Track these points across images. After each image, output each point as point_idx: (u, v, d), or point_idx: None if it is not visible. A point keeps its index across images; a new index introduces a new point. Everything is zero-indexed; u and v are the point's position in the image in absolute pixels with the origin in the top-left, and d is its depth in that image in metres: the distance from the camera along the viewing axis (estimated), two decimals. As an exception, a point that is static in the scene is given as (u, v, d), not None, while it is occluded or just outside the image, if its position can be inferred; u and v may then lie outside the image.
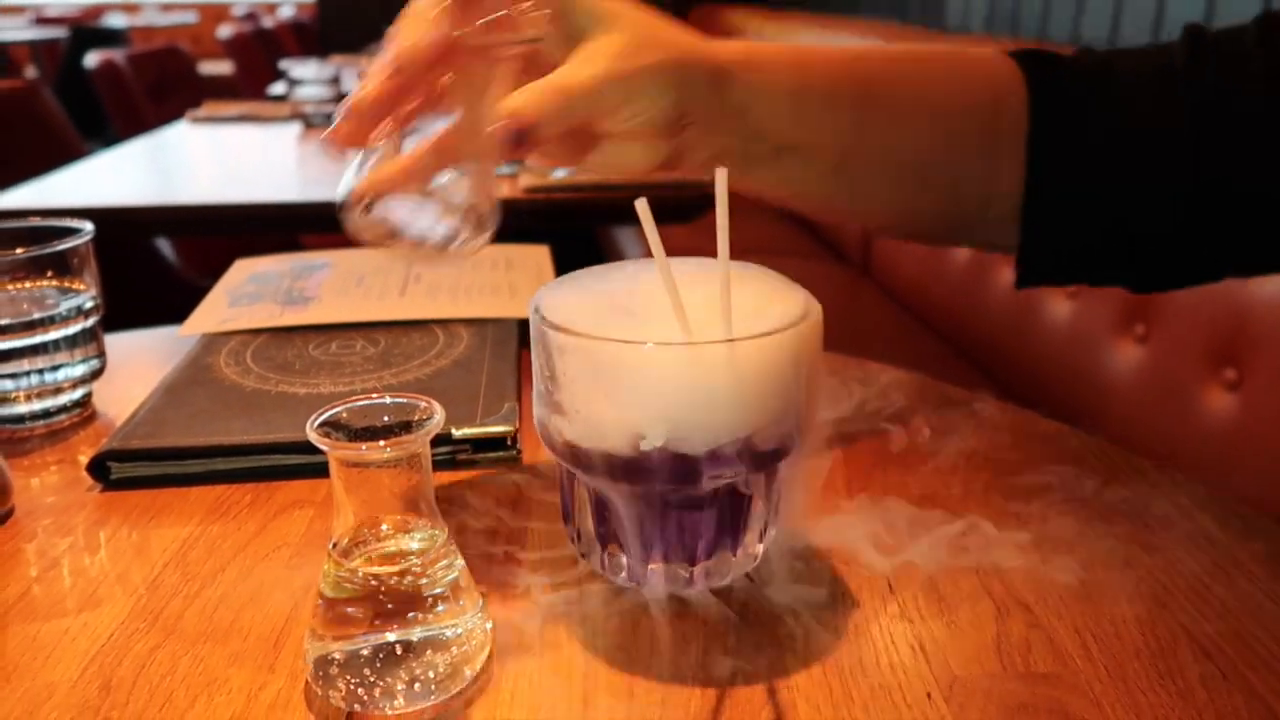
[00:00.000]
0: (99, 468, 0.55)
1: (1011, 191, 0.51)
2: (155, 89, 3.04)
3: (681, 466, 0.42)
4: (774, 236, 2.27)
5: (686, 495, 0.43)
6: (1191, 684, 0.40)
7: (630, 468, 0.42)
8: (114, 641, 0.43)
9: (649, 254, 0.48)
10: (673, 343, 0.41)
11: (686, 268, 0.47)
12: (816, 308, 0.44)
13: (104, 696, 0.39)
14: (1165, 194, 0.50)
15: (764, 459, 0.43)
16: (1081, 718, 0.38)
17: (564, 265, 0.89)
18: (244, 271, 0.86)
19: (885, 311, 1.79)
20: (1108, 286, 0.55)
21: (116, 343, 0.75)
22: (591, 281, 0.48)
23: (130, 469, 0.56)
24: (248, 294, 0.80)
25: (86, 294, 0.64)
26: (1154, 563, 0.48)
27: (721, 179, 0.40)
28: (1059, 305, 1.37)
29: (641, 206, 0.42)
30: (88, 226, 0.64)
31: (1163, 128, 0.49)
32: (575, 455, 0.44)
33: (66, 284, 0.64)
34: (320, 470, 0.50)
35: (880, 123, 0.50)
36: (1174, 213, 0.50)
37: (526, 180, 1.39)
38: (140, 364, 0.73)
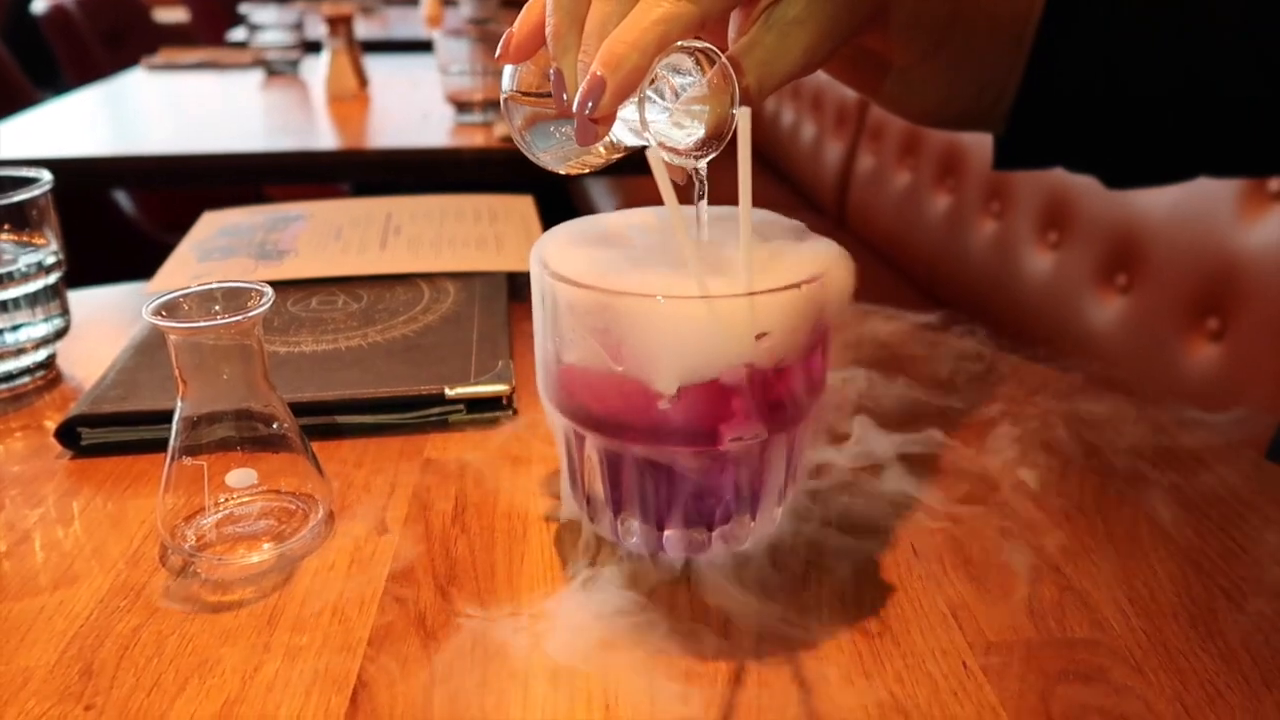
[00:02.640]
0: (68, 434, 0.52)
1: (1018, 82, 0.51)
2: (109, 36, 2.92)
3: (699, 428, 0.39)
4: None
5: (704, 458, 0.41)
6: (1233, 647, 0.38)
7: (645, 429, 0.40)
8: (94, 621, 0.40)
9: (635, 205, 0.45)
10: (688, 296, 0.38)
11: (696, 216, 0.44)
12: (842, 261, 0.42)
13: (85, 681, 0.36)
14: (1158, 86, 0.50)
15: (782, 418, 0.41)
16: (1124, 683, 0.36)
17: (542, 217, 0.86)
18: (213, 225, 0.82)
19: (863, 263, 1.77)
20: (1083, 174, 0.55)
21: (79, 301, 0.70)
22: (596, 231, 0.45)
23: (102, 434, 0.52)
24: (219, 248, 0.76)
25: (47, 249, 0.60)
26: (1183, 521, 0.46)
27: (745, 118, 0.37)
28: (1039, 256, 1.36)
29: (653, 155, 0.39)
30: (45, 176, 0.60)
31: (1160, 16, 0.49)
32: (585, 416, 0.41)
33: (25, 238, 0.60)
34: (308, 431, 0.47)
35: (957, 40, 0.48)
36: (1164, 105, 0.50)
37: (501, 129, 1.34)
38: (105, 323, 0.69)
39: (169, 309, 0.42)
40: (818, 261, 0.41)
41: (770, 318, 0.39)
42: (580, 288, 0.39)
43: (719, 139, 0.40)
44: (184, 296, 0.43)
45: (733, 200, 0.39)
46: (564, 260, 0.41)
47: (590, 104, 0.37)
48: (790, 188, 2.30)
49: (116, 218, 2.03)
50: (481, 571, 0.43)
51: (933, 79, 0.50)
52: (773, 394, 0.40)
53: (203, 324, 0.41)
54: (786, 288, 0.39)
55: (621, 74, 0.36)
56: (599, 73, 0.36)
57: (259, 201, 0.91)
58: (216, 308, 0.43)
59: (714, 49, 0.40)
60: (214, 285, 0.43)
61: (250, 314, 0.42)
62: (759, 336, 0.38)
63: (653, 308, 0.38)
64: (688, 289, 0.38)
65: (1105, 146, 0.53)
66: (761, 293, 0.38)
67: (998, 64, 0.50)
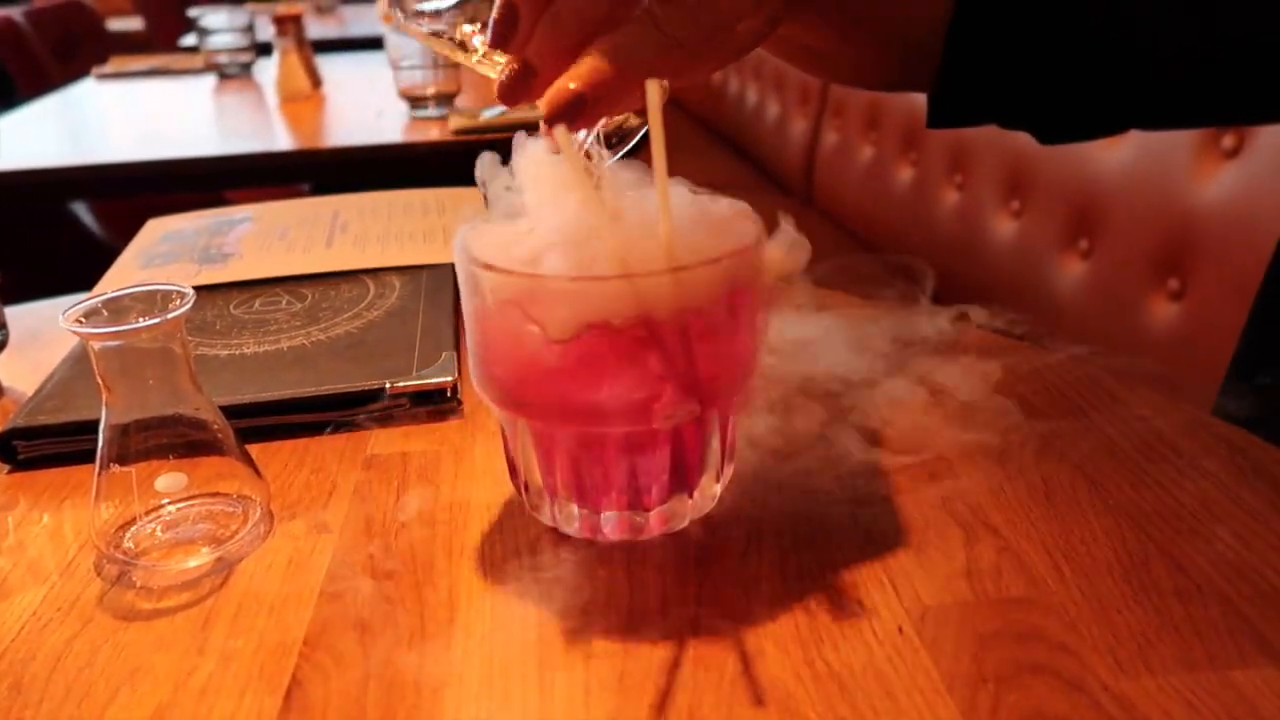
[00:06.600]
0: (4, 448, 0.51)
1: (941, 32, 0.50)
2: (61, 48, 2.88)
3: (629, 406, 0.39)
4: (714, 171, 2.24)
5: (637, 436, 0.41)
6: (1166, 598, 0.38)
7: (576, 410, 0.40)
8: (25, 635, 0.39)
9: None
10: (609, 277, 0.38)
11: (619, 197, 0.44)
12: (761, 228, 0.41)
13: (15, 696, 0.36)
14: (1083, 38, 0.49)
15: (714, 394, 0.41)
16: (1058, 640, 0.36)
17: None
18: (157, 231, 0.81)
19: (831, 240, 1.77)
20: (1016, 130, 0.55)
21: (24, 315, 0.70)
22: (516, 215, 0.45)
23: (39, 447, 0.52)
24: (161, 254, 0.75)
25: (-21, 262, 0.59)
26: (1120, 477, 0.46)
27: (654, 91, 0.37)
28: (1003, 224, 1.36)
29: (561, 134, 0.38)
30: (-27, 188, 0.59)
31: None
32: (516, 400, 0.41)
33: (-44, 252, 0.59)
34: (245, 435, 0.47)
35: (873, 16, 0.49)
36: (1089, 56, 0.50)
37: (456, 123, 1.33)
38: (50, 336, 0.68)
39: (89, 315, 0.42)
40: (739, 234, 0.41)
41: (691, 293, 0.38)
42: (501, 273, 0.39)
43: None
44: (104, 302, 0.42)
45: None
46: (486, 247, 0.41)
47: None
48: (756, 169, 2.30)
49: (80, 234, 2.01)
50: (421, 565, 0.42)
51: (855, 55, 0.50)
52: (703, 369, 0.40)
53: (121, 328, 0.40)
54: (712, 261, 0.39)
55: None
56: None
57: (220, 207, 0.90)
58: (137, 312, 0.42)
59: None
60: (134, 289, 0.43)
61: (170, 316, 0.41)
62: (682, 311, 0.38)
63: (572, 287, 0.38)
64: (608, 268, 0.38)
65: (1034, 101, 0.53)
66: (688, 268, 0.38)
67: (918, 29, 0.50)
